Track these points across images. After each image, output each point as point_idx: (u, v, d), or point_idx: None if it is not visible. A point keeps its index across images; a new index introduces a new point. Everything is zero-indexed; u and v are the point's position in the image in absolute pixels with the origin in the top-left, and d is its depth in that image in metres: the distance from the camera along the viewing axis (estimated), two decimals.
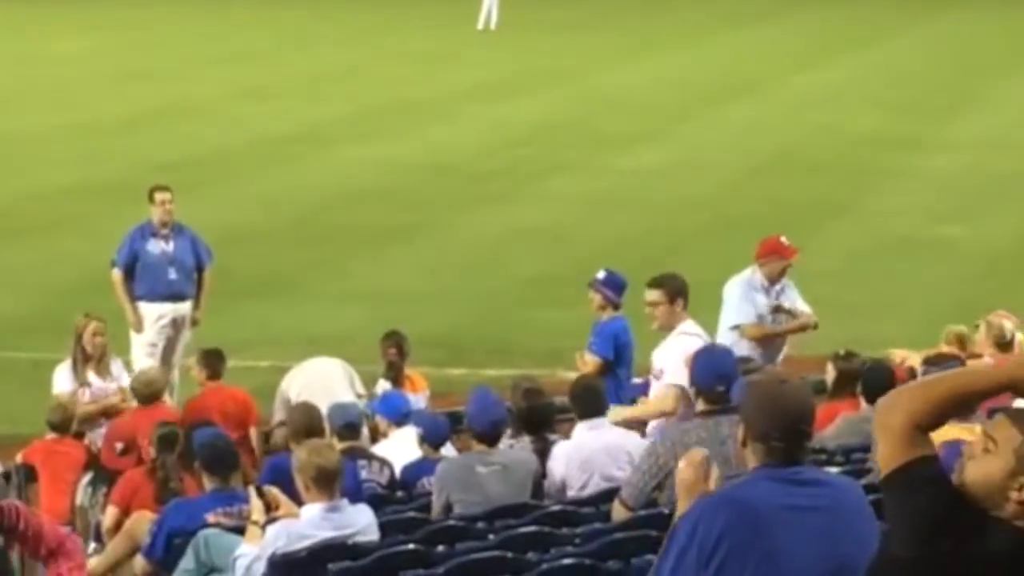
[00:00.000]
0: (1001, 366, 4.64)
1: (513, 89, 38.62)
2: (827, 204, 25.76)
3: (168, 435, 10.95)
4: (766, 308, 13.62)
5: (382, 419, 12.14)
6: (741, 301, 13.61)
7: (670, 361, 11.55)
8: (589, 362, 12.84)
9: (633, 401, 12.28)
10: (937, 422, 4.48)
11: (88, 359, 13.61)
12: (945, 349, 12.29)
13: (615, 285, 13.06)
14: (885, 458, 4.47)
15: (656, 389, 11.85)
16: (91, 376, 13.59)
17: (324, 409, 11.36)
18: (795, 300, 13.82)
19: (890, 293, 20.40)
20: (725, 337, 13.20)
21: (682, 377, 11.30)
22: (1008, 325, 12.67)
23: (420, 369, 14.36)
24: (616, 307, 13.00)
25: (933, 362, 11.04)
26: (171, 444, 10.85)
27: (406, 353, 13.69)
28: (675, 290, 11.88)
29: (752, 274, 13.73)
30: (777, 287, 13.71)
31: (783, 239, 13.90)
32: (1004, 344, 12.60)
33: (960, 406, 4.53)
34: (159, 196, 15.73)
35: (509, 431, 11.03)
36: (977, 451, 4.43)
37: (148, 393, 12.74)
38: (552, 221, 24.53)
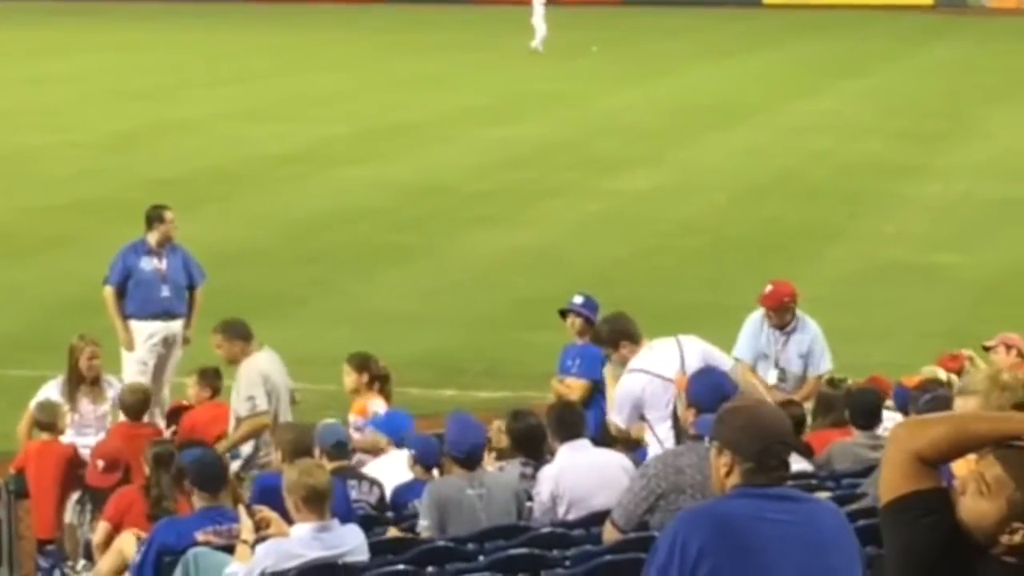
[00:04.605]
0: (1010, 417, 4.68)
1: (509, 112, 38.69)
2: (821, 229, 25.79)
3: (163, 453, 10.92)
4: (767, 347, 13.56)
5: (382, 436, 12.14)
6: (742, 334, 13.66)
7: (615, 399, 11.55)
8: (575, 386, 12.80)
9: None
10: (941, 459, 4.51)
11: (81, 381, 13.57)
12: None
13: (593, 307, 13.11)
14: (885, 486, 4.52)
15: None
16: (82, 401, 13.54)
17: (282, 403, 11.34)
18: (803, 347, 13.50)
19: (883, 319, 20.41)
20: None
21: (616, 415, 11.35)
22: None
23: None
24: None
25: (922, 388, 11.07)
26: (166, 462, 10.83)
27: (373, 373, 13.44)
28: (610, 338, 11.83)
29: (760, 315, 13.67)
30: (782, 331, 13.52)
31: (768, 286, 13.68)
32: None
33: (963, 450, 4.56)
34: (168, 214, 15.73)
35: (495, 453, 11.08)
36: (970, 490, 4.45)
37: (133, 401, 12.73)
38: (547, 243, 24.56)
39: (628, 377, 11.40)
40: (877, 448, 10.77)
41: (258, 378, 12.58)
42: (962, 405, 5.80)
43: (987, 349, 12.99)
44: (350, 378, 13.20)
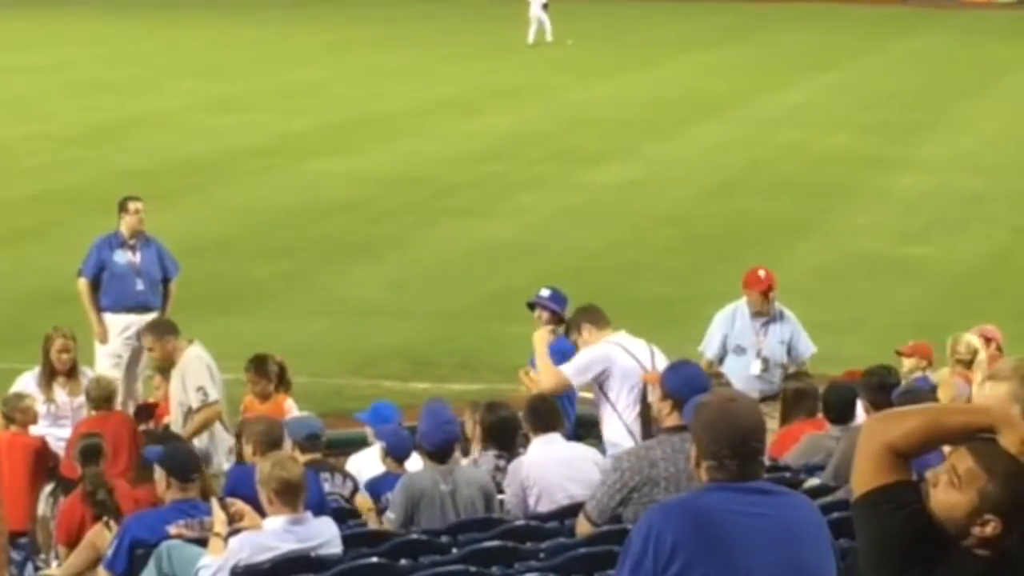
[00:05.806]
0: (981, 410, 4.69)
1: (483, 104, 38.66)
2: (794, 222, 25.84)
3: (90, 447, 10.94)
4: (744, 339, 13.63)
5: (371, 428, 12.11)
6: (712, 329, 13.72)
7: (580, 360, 11.45)
8: (536, 380, 12.77)
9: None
10: (914, 452, 4.52)
11: (55, 374, 13.53)
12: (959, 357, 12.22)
13: (560, 300, 13.09)
14: (858, 479, 4.53)
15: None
16: (57, 392, 13.51)
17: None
18: (785, 335, 13.65)
19: (855, 311, 20.45)
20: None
21: (571, 367, 11.25)
22: (976, 341, 12.49)
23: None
24: (562, 321, 12.98)
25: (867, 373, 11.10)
26: (94, 456, 10.85)
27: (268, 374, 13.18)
28: (574, 321, 11.79)
29: (740, 303, 13.76)
30: (762, 320, 13.62)
31: (760, 271, 13.81)
32: (966, 361, 12.54)
33: (936, 443, 4.57)
34: (132, 205, 15.67)
35: (473, 446, 11.05)
36: (942, 481, 4.47)
37: (98, 395, 12.68)
38: (520, 236, 24.55)
39: (603, 344, 11.34)
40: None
41: (204, 369, 12.61)
42: (991, 390, 5.68)
43: None
44: (258, 386, 13.01)
